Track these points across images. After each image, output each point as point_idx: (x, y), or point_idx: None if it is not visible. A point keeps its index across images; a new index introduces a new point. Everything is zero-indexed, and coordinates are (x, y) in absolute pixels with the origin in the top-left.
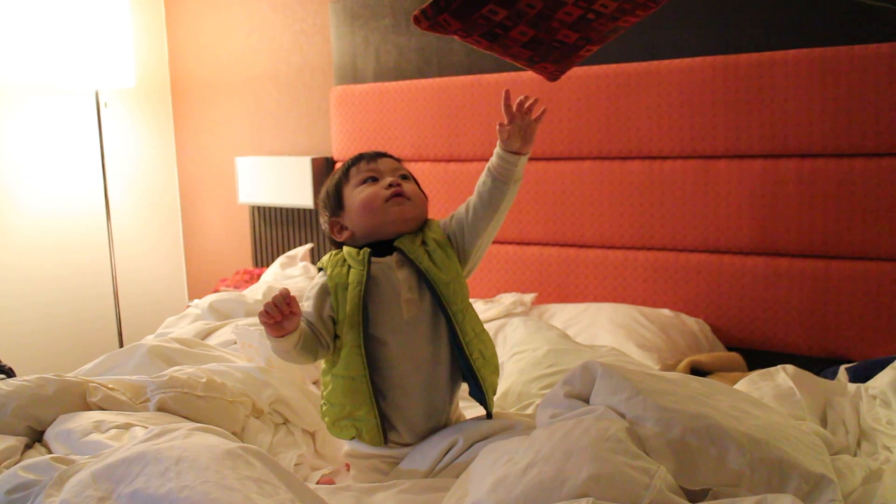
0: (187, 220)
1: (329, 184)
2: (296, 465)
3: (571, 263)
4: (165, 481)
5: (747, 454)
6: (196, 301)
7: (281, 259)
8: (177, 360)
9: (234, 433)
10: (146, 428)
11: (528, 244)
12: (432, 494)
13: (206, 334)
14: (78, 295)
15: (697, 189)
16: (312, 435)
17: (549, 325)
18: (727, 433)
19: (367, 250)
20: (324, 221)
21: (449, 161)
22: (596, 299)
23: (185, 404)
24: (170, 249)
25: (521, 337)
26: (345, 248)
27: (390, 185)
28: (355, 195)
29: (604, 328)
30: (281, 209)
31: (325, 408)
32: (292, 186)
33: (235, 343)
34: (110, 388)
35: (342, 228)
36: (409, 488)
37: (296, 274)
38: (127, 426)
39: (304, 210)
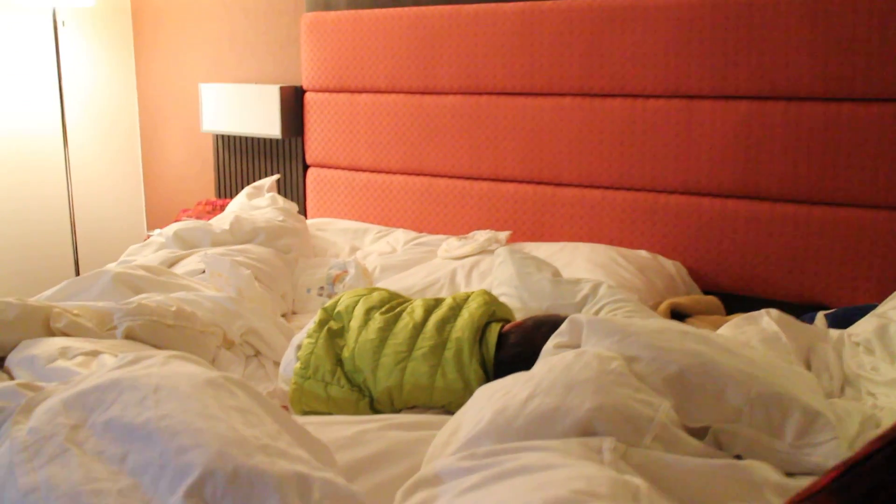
0: (147, 147)
1: None
2: None
3: (548, 202)
4: (143, 410)
5: (745, 390)
6: (158, 230)
7: (247, 189)
8: (143, 287)
9: None
10: (115, 356)
11: (503, 181)
12: (424, 431)
13: (172, 263)
14: (32, 219)
15: (680, 129)
16: None
17: (539, 264)
18: (724, 369)
19: None
20: None
21: (424, 94)
22: (572, 239)
23: (154, 333)
24: (128, 177)
25: (508, 276)
26: None
27: None
28: None
29: (581, 268)
30: (246, 138)
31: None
32: (259, 115)
33: (203, 273)
34: (75, 315)
35: None
36: (401, 424)
37: (263, 205)
38: (94, 353)
39: (271, 140)
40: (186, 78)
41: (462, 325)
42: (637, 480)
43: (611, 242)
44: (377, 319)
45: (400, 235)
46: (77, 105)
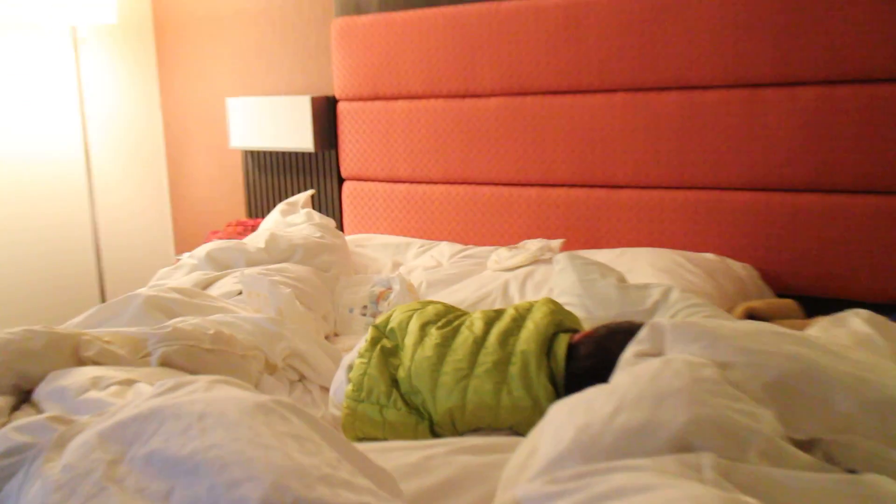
0: (173, 168)
1: None
2: None
3: (602, 206)
4: (188, 440)
5: (856, 395)
6: (186, 254)
7: (281, 206)
8: (177, 311)
9: None
10: (152, 384)
11: (553, 186)
12: (496, 455)
13: (206, 285)
14: (55, 247)
15: (743, 121)
16: None
17: (603, 269)
18: (829, 373)
19: None
20: None
21: (464, 97)
22: (630, 244)
23: (192, 358)
24: (155, 199)
25: (570, 284)
26: None
27: None
28: None
29: (644, 274)
30: (277, 154)
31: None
32: (290, 129)
33: (240, 294)
34: (106, 342)
35: None
36: (468, 447)
37: (298, 221)
38: (129, 382)
39: (304, 154)
40: (212, 92)
41: (527, 337)
42: (750, 500)
43: (673, 246)
44: (434, 335)
45: (445, 248)
46: (99, 126)
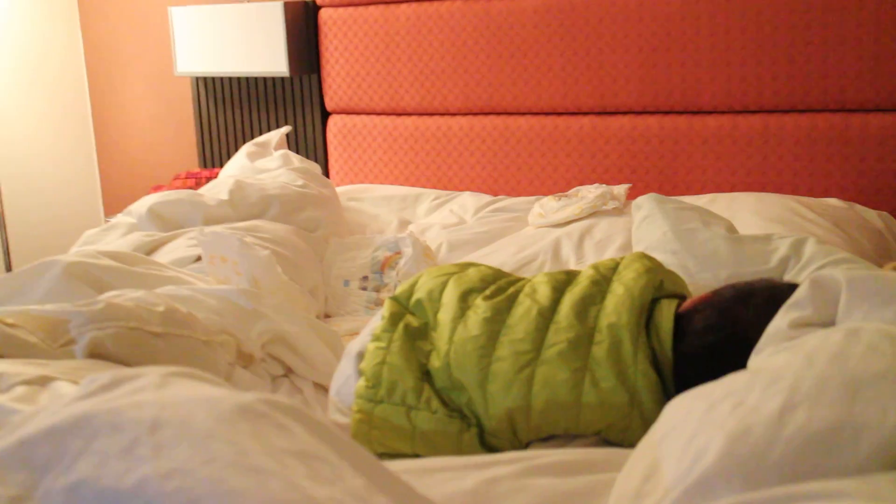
0: (99, 103)
1: None
2: None
3: (682, 138)
4: (134, 464)
5: None
6: (120, 215)
7: (247, 147)
8: (111, 282)
9: None
10: (76, 383)
11: (614, 114)
12: (588, 476)
13: (150, 250)
14: None
15: (881, 19)
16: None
17: (705, 216)
18: None
19: None
20: None
21: None
22: (720, 188)
23: (135, 346)
24: (75, 145)
25: (660, 237)
26: None
27: None
28: None
29: (748, 224)
30: (239, 80)
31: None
32: (256, 46)
33: (198, 260)
34: (9, 325)
35: None
36: (547, 466)
37: (272, 166)
38: (42, 380)
39: (275, 79)
40: (149, 1)
41: (616, 306)
42: None
43: (783, 189)
44: (481, 307)
45: (468, 200)
46: None
